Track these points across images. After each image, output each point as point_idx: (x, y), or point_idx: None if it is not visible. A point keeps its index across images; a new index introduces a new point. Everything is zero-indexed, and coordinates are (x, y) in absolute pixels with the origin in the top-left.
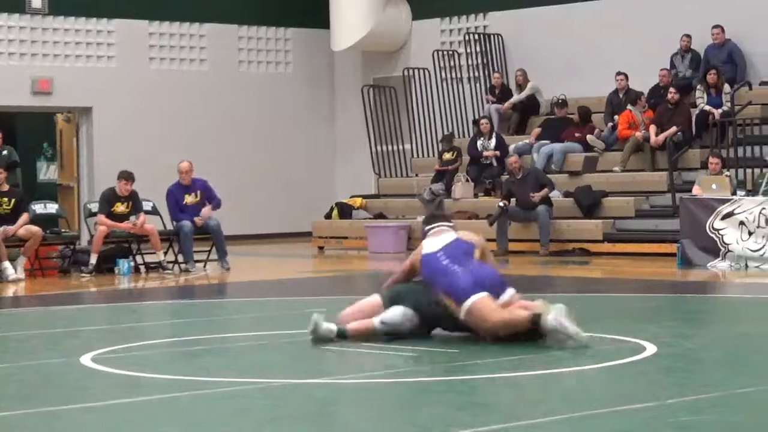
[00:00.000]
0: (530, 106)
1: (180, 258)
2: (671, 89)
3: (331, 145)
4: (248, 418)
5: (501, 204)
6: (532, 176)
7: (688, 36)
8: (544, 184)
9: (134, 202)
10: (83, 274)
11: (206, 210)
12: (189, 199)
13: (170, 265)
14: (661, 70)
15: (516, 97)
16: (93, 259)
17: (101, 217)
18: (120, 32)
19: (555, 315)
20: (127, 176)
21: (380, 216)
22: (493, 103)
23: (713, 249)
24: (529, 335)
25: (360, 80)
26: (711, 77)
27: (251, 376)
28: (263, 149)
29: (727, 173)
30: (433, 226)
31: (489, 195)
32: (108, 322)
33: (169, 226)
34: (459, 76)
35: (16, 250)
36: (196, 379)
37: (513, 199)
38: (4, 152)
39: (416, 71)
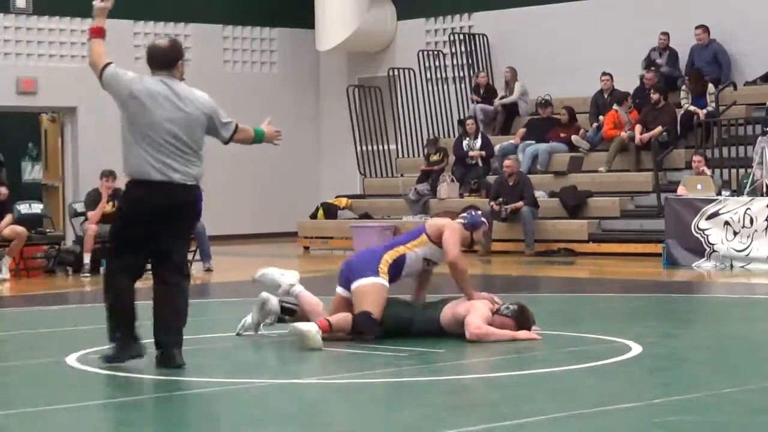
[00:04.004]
0: (512, 107)
1: None
2: (653, 91)
3: (317, 145)
4: (234, 418)
5: (498, 201)
6: (520, 186)
7: (666, 34)
8: (522, 197)
9: (119, 200)
10: (84, 275)
11: None
12: None
13: None
14: (647, 71)
15: (507, 99)
16: (87, 259)
17: (91, 215)
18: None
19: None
20: (108, 173)
21: (366, 216)
22: (478, 103)
23: (698, 249)
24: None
25: (345, 80)
26: (692, 81)
27: (236, 377)
28: (248, 149)
29: (710, 173)
30: None
31: (474, 195)
32: (94, 322)
33: None
34: (444, 76)
35: (0, 251)
36: (182, 379)
37: (501, 199)
38: None
39: (401, 71)
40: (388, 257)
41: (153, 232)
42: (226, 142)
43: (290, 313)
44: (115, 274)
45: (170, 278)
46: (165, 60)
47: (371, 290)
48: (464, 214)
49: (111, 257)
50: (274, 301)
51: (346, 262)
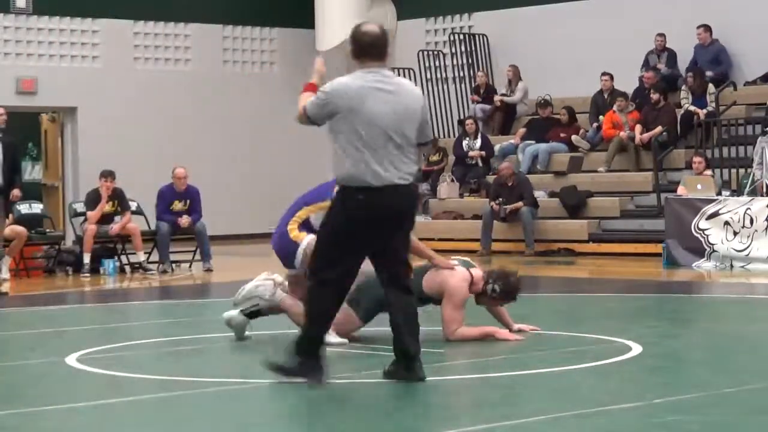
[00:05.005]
0: (511, 106)
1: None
2: (653, 91)
3: (317, 144)
4: (233, 419)
5: (498, 201)
6: (520, 186)
7: (662, 35)
8: (522, 197)
9: (120, 200)
10: (84, 275)
11: (183, 220)
12: (178, 205)
13: (153, 266)
14: (647, 71)
15: (508, 98)
16: (87, 259)
17: (90, 215)
18: (105, 32)
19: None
20: (106, 174)
21: None
22: (477, 103)
23: (698, 249)
24: None
25: None
26: (690, 80)
27: (236, 377)
28: (248, 149)
29: (710, 173)
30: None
31: (474, 195)
32: (94, 322)
33: (153, 226)
34: (444, 76)
35: (0, 251)
36: (181, 379)
37: (501, 199)
38: None
39: (401, 71)
40: (293, 222)
41: (373, 240)
42: (421, 145)
43: (257, 314)
44: (322, 287)
45: (407, 286)
46: (380, 49)
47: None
48: None
49: (316, 270)
50: (237, 318)
51: (272, 246)
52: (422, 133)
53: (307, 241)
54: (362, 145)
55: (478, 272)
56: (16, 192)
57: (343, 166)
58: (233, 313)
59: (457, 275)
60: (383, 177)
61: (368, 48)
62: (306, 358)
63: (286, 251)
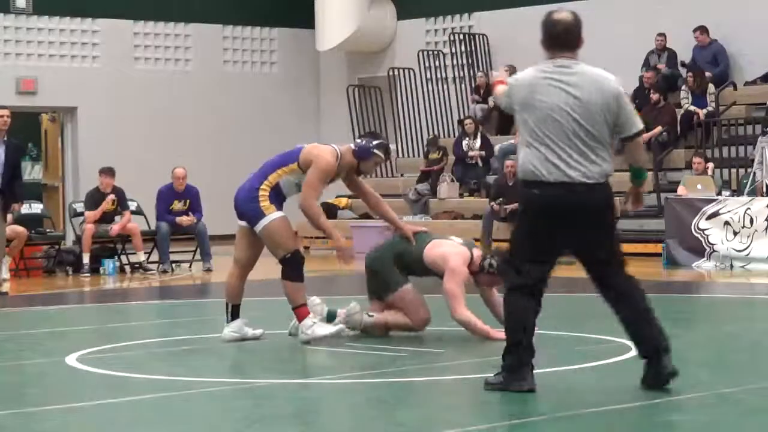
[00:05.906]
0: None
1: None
2: (653, 91)
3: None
4: (233, 419)
5: (498, 201)
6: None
7: (662, 35)
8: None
9: (120, 200)
10: (84, 275)
11: (185, 220)
12: (178, 205)
13: (153, 266)
14: (647, 71)
15: None
16: (86, 259)
17: (89, 215)
18: (105, 32)
19: None
20: (106, 171)
21: (365, 216)
22: (477, 103)
23: (698, 249)
24: None
25: (345, 80)
26: (690, 80)
27: (236, 376)
28: (248, 149)
29: (711, 173)
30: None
31: (474, 195)
32: (94, 322)
33: (153, 226)
34: (444, 76)
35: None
36: (181, 379)
37: (501, 199)
38: None
39: (401, 71)
40: (265, 188)
41: (556, 238)
42: (625, 139)
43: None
44: (514, 292)
45: (619, 284)
46: (572, 38)
47: (270, 232)
48: (359, 141)
49: (510, 271)
50: (229, 334)
51: (235, 199)
52: (622, 125)
53: (270, 219)
54: (534, 139)
55: (478, 252)
56: (15, 207)
57: (520, 161)
58: (226, 331)
59: (458, 253)
60: (552, 173)
61: (559, 37)
62: (514, 369)
63: (250, 213)
